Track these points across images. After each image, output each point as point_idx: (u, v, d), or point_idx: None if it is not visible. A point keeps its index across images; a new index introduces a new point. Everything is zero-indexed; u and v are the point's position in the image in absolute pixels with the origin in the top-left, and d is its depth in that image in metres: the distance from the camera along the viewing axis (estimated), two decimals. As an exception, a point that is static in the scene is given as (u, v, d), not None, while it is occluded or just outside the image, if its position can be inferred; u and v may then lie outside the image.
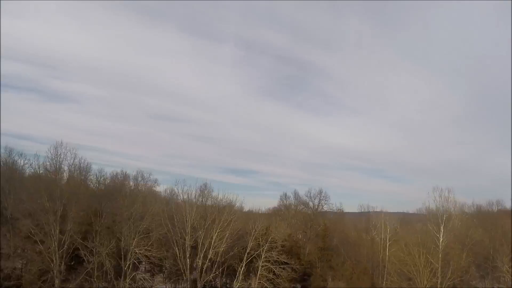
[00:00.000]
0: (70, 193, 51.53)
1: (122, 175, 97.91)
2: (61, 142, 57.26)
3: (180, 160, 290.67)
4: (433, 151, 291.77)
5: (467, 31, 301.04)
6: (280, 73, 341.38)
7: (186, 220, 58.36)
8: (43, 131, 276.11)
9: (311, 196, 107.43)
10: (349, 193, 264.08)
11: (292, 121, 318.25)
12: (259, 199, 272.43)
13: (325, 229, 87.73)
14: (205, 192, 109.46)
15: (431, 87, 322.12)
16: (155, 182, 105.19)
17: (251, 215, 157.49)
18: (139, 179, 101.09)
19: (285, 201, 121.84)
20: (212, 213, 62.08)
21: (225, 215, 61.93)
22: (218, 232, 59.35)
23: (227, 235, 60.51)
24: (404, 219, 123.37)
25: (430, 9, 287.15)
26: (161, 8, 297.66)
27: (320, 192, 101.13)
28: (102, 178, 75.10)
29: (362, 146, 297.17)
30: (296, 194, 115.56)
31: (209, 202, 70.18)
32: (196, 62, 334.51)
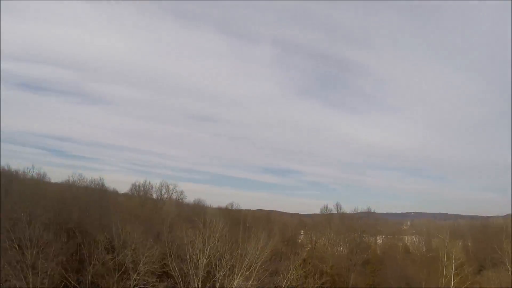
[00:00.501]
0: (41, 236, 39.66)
1: (144, 187, 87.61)
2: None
3: (218, 160, 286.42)
4: (473, 149, 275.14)
5: (505, 28, 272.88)
6: (317, 72, 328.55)
7: (198, 262, 46.01)
8: (83, 133, 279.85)
9: (358, 215, 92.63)
10: (387, 192, 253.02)
11: (330, 120, 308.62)
12: (299, 200, 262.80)
13: (375, 260, 73.57)
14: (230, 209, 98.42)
15: (470, 84, 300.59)
16: (181, 195, 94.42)
17: (290, 221, 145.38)
18: (163, 191, 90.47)
19: (325, 211, 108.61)
20: (235, 250, 49.02)
21: (252, 252, 48.85)
22: (241, 275, 46.50)
23: (253, 278, 47.77)
24: (453, 229, 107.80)
25: (468, 4, 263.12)
26: (197, 9, 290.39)
27: (369, 211, 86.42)
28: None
29: (400, 145, 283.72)
30: (338, 207, 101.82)
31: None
32: (233, 63, 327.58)
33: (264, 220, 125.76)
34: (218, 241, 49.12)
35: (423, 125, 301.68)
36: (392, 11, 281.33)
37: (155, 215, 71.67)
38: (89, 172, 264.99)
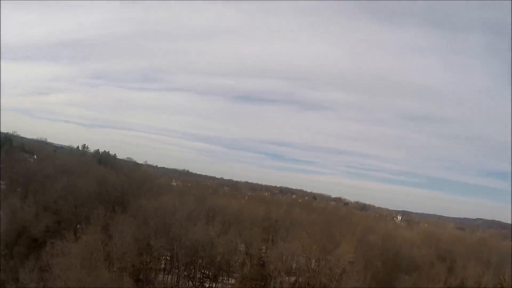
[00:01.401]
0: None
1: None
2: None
3: (437, 162, 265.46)
4: None
5: None
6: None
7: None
8: (301, 138, 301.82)
9: None
10: None
11: None
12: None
13: None
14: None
15: None
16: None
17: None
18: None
19: None
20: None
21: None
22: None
23: None
24: None
25: None
26: (395, 5, 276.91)
27: None
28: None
29: None
30: None
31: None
32: (442, 56, 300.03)
33: (476, 251, 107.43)
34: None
35: None
36: None
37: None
38: (305, 175, 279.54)
